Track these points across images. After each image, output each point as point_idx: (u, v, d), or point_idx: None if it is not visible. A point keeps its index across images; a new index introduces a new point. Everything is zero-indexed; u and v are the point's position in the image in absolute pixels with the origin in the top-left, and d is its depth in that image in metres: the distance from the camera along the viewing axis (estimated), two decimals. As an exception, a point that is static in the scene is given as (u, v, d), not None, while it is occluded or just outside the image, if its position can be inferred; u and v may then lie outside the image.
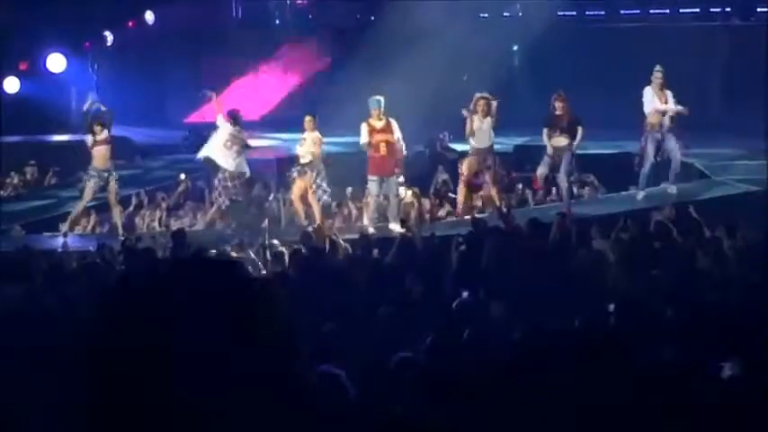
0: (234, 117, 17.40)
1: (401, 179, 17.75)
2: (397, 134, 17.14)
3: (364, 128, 16.95)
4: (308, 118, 17.49)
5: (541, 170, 17.51)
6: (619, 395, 5.25)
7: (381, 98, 17.11)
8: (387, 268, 11.57)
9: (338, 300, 9.57)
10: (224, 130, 17.28)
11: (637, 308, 8.09)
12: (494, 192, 17.52)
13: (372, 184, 17.12)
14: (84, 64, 27.02)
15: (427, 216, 18.23)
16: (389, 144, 16.96)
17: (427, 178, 19.62)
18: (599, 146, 19.93)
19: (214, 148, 17.34)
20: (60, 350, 7.52)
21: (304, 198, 17.39)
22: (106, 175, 17.19)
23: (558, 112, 17.22)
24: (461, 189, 17.71)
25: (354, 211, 18.51)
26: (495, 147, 17.82)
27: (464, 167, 17.60)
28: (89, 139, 17.31)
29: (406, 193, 18.05)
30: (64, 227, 17.25)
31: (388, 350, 6.92)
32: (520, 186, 19.23)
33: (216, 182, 17.47)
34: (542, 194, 18.67)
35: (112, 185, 17.23)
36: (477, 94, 17.35)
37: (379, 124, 16.99)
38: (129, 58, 27.29)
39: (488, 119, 17.14)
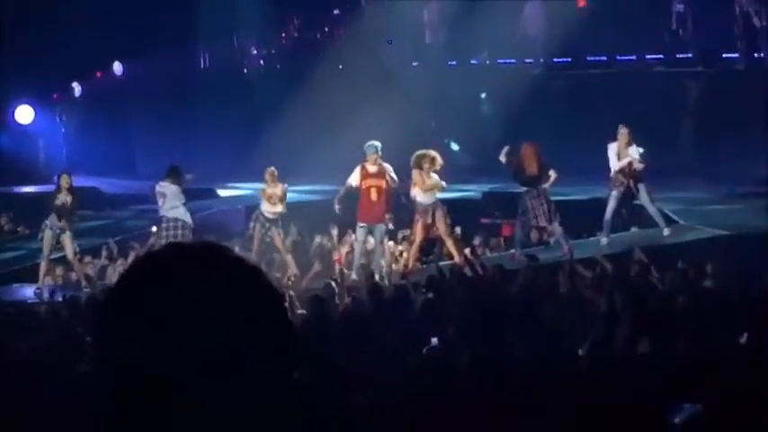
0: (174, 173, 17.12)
1: (390, 226, 17.61)
2: (391, 175, 16.67)
3: (357, 170, 16.64)
4: (270, 170, 17.34)
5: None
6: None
7: (378, 143, 16.74)
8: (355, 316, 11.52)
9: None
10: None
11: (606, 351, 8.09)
12: (450, 244, 16.84)
13: (360, 231, 16.74)
14: (52, 115, 27.03)
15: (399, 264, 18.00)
16: (380, 190, 16.60)
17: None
18: (566, 192, 19.96)
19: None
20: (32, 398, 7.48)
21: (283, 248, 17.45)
22: (58, 231, 17.07)
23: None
24: (414, 248, 16.93)
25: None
26: (464, 194, 17.61)
27: (417, 227, 16.73)
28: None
29: (390, 245, 17.85)
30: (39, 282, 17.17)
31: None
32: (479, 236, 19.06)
33: (163, 231, 17.03)
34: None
35: (65, 241, 17.09)
36: (421, 151, 16.68)
37: (372, 169, 16.63)
38: (97, 108, 27.27)
39: (433, 174, 16.53)
